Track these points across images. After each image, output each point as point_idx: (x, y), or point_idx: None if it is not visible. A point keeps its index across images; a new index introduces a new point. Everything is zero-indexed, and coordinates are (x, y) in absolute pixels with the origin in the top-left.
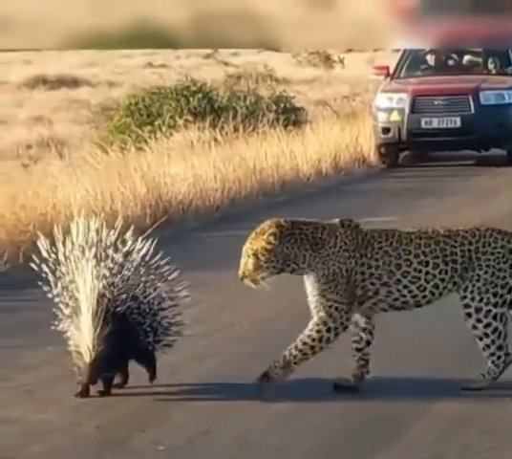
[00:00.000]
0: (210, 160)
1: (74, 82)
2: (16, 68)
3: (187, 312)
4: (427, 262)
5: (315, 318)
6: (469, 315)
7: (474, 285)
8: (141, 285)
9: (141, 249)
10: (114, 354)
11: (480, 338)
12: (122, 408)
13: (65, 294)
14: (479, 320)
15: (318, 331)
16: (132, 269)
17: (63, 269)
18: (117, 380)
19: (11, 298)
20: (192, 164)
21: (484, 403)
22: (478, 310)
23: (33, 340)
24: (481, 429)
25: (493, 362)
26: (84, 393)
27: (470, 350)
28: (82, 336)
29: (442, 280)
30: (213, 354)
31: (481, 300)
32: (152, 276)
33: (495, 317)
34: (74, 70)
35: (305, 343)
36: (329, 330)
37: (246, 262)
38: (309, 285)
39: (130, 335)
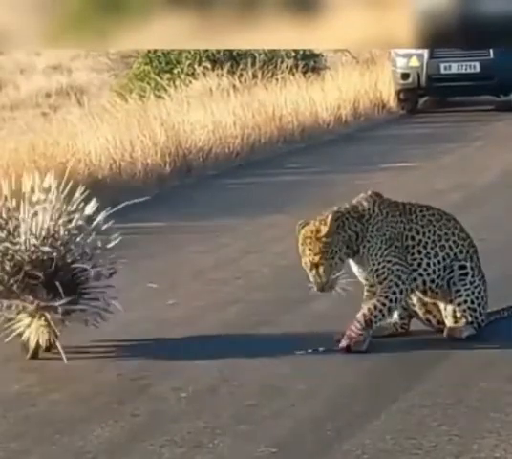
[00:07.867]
0: (229, 107)
1: None
2: None
3: (208, 259)
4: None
5: (384, 284)
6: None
7: None
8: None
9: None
10: None
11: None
12: (144, 356)
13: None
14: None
15: (393, 292)
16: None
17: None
18: None
19: None
20: (211, 112)
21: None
22: None
23: None
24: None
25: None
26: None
27: None
28: None
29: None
30: (234, 301)
31: None
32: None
33: None
34: None
35: (383, 304)
36: (401, 292)
37: (317, 272)
38: (362, 261)
39: None
